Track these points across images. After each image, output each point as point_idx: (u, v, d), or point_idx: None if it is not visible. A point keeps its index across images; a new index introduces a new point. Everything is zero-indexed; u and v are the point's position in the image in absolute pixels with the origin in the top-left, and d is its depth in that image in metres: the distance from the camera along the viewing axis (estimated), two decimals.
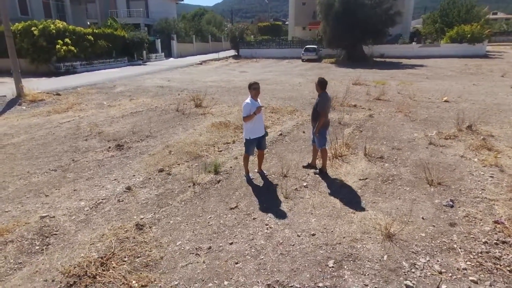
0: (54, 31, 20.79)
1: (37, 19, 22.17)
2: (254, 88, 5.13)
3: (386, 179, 5.47)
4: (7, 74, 13.37)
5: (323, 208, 4.62)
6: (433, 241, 3.79)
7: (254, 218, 4.38)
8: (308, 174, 5.71)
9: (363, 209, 4.54)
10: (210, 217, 4.44)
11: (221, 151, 6.98)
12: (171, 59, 35.17)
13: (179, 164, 6.26)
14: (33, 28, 20.37)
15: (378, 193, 4.99)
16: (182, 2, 52.75)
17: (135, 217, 4.47)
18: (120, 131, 8.50)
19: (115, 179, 5.68)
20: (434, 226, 4.09)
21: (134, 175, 5.83)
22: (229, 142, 7.49)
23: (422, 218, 4.26)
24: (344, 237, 3.90)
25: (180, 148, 7.10)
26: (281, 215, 4.45)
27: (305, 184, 5.33)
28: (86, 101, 12.53)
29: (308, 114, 9.74)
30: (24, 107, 11.48)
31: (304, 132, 8.13)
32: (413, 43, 36.50)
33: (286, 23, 63.87)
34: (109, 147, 7.29)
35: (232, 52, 40.53)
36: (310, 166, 5.96)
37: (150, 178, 5.69)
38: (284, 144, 7.37)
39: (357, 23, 25.35)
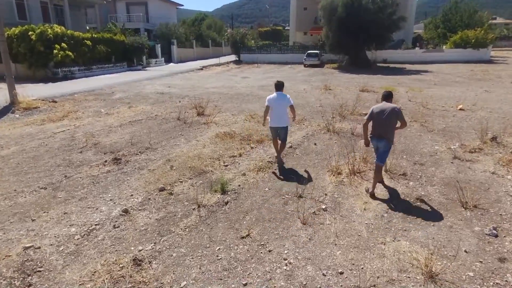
0: (51, 35, 20.25)
1: (35, 24, 21.61)
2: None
3: (414, 200, 4.89)
4: (4, 80, 12.80)
5: (347, 237, 4.04)
6: (485, 283, 3.21)
7: (269, 250, 3.80)
8: (326, 194, 5.14)
9: (393, 238, 3.96)
10: (219, 248, 3.86)
11: (227, 165, 6.41)
12: (171, 64, 34.69)
13: (181, 182, 5.68)
14: (30, 33, 19.83)
15: (408, 219, 4.41)
16: (182, 7, 52.50)
17: (132, 248, 3.89)
18: (117, 142, 7.93)
19: (110, 200, 5.10)
20: (481, 262, 3.51)
21: (132, 195, 5.25)
22: (235, 155, 6.91)
23: (465, 252, 3.68)
24: (378, 277, 3.32)
25: (183, 162, 6.53)
26: (300, 246, 3.87)
27: (323, 206, 4.76)
28: (82, 108, 11.97)
29: (318, 124, 9.21)
30: (18, 115, 10.91)
31: (315, 144, 7.56)
32: (416, 48, 36.08)
33: (287, 28, 63.56)
34: (106, 161, 6.71)
35: (233, 57, 40.04)
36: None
37: (149, 199, 5.11)
38: (295, 158, 6.79)
39: (360, 28, 24.88)
